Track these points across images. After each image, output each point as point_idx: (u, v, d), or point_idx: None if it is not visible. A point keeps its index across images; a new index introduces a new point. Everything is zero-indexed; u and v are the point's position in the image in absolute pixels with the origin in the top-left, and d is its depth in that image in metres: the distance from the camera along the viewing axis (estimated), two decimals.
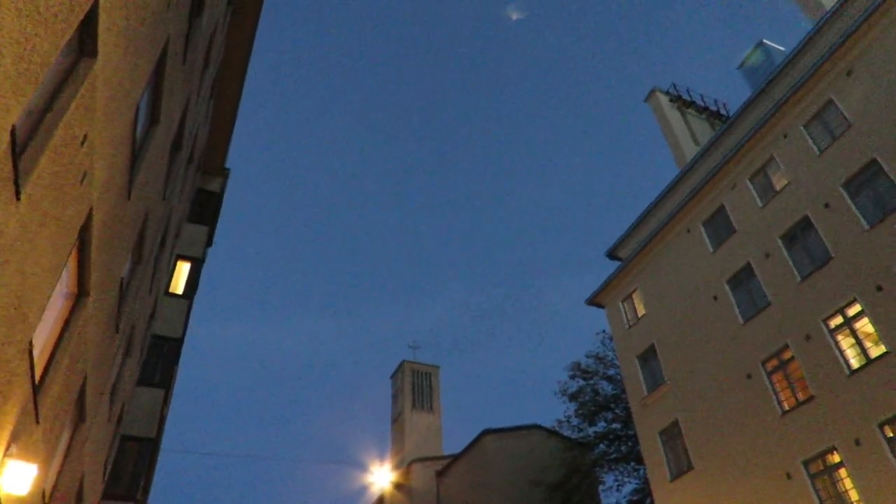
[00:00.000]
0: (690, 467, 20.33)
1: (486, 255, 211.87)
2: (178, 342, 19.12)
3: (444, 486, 35.35)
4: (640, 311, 25.14)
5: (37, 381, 6.38)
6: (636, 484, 29.03)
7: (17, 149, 4.32)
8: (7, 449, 5.72)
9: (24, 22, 3.82)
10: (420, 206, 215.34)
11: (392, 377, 48.80)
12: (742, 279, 20.67)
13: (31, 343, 5.79)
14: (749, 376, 19.17)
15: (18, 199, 4.48)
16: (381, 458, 43.14)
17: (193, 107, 14.43)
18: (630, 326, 25.38)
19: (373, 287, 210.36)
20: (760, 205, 20.71)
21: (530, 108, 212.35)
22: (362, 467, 45.46)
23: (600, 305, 27.74)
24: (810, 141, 19.52)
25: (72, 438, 9.65)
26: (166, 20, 8.24)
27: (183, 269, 20.07)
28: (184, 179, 16.77)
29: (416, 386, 46.52)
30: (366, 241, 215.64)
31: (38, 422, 6.77)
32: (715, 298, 21.36)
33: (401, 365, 47.77)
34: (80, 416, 9.68)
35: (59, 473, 9.33)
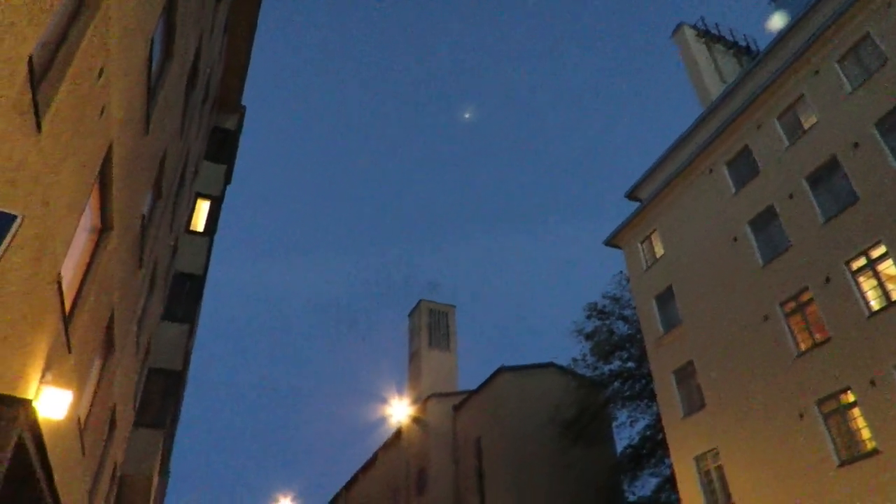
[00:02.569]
0: (703, 405, 20.66)
1: (504, 197, 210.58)
2: (201, 279, 19.49)
3: (459, 421, 36.38)
4: (659, 252, 25.02)
5: (66, 312, 6.58)
6: (648, 420, 29.66)
7: (35, 79, 4.30)
8: (42, 376, 5.96)
9: None
10: (438, 146, 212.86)
11: (410, 315, 49.56)
12: (764, 221, 20.38)
13: (59, 275, 5.93)
14: (766, 318, 19.17)
15: (39, 130, 4.49)
16: (400, 392, 44.41)
17: (207, 42, 14.20)
18: (648, 267, 25.34)
19: (391, 228, 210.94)
20: (787, 145, 20.17)
21: (549, 47, 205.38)
22: (381, 400, 46.90)
23: (618, 246, 27.64)
24: (843, 78, 18.78)
25: (102, 368, 10.02)
26: None
27: (202, 207, 20.25)
28: (200, 116, 16.69)
29: (433, 325, 47.24)
30: (384, 182, 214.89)
31: (70, 351, 7.02)
32: (735, 240, 21.14)
33: (418, 304, 48.37)
34: (109, 347, 10.01)
35: (93, 401, 9.74)
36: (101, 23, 5.45)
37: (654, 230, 25.48)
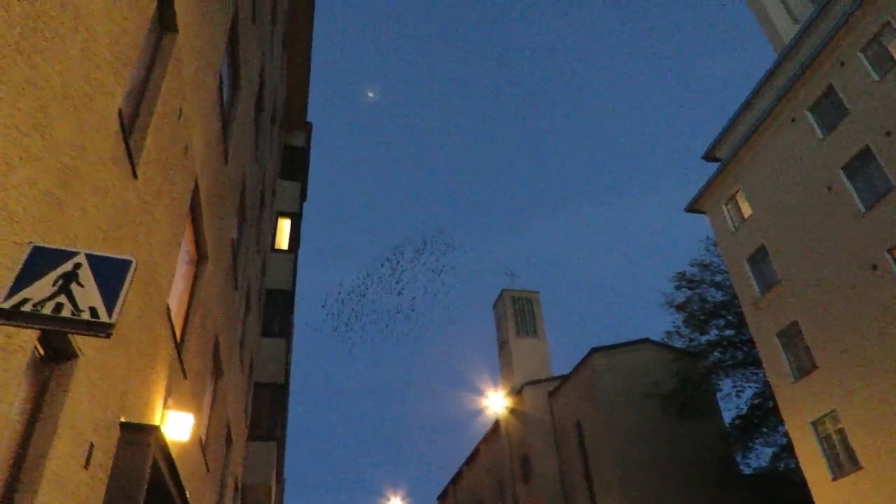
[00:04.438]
0: (814, 366, 19.54)
1: (571, 175, 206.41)
2: (290, 294, 20.30)
3: (556, 406, 36.11)
4: (746, 211, 23.84)
5: (177, 340, 7.03)
6: (756, 388, 28.35)
7: (126, 129, 4.61)
8: (165, 403, 6.41)
9: (110, 6, 3.99)
10: (501, 134, 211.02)
11: (494, 306, 49.57)
12: (859, 164, 18.99)
13: (167, 307, 6.35)
14: (874, 267, 17.88)
15: (135, 176, 4.82)
16: (494, 383, 44.56)
17: (269, 66, 14.73)
18: (736, 229, 24.20)
19: (465, 221, 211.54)
20: (877, 78, 18.69)
21: (609, 12, 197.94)
22: (477, 392, 47.23)
23: (701, 211, 26.54)
24: None
25: (215, 389, 10.63)
26: None
27: (284, 226, 21.06)
28: (271, 138, 17.35)
29: (518, 312, 46.96)
30: (451, 176, 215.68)
31: (185, 376, 7.49)
32: (829, 189, 19.83)
33: (501, 293, 48.30)
34: (217, 368, 10.61)
35: (209, 421, 10.36)
36: (175, 66, 5.78)
37: (738, 189, 24.29)
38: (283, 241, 20.64)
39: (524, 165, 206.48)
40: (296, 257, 20.80)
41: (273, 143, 18.50)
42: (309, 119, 24.00)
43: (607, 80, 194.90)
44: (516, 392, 38.74)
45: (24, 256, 2.83)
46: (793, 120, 21.79)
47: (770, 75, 23.79)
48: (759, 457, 29.28)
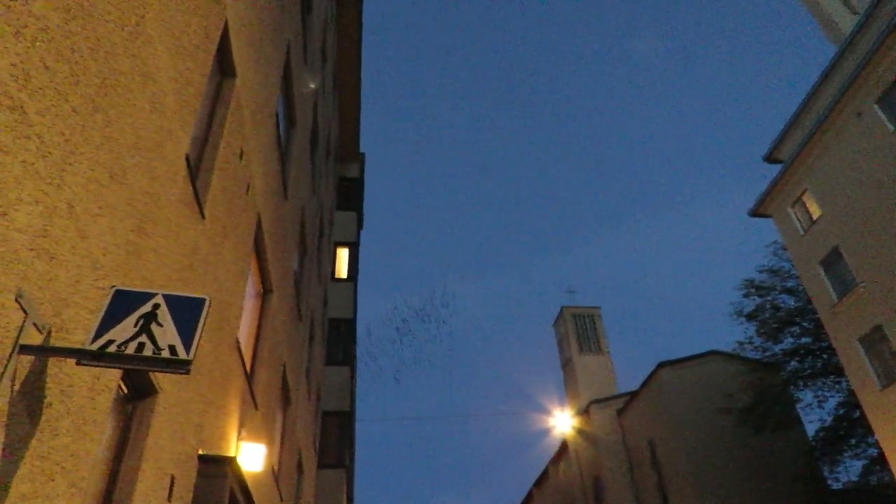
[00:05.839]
0: None
1: (628, 187, 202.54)
2: (351, 322, 20.61)
3: (626, 424, 35.07)
4: (815, 213, 22.79)
5: (248, 372, 7.23)
6: (840, 398, 26.76)
7: (193, 173, 4.84)
8: (239, 434, 6.59)
9: (174, 59, 4.23)
10: (554, 151, 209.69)
11: (554, 324, 48.87)
12: None
13: (237, 340, 6.56)
14: None
15: (203, 217, 5.04)
16: (561, 402, 43.78)
17: (321, 100, 15.19)
18: (805, 232, 23.14)
19: (522, 241, 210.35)
20: None
21: (660, 17, 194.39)
22: (543, 411, 46.47)
23: (766, 215, 25.53)
24: None
25: (284, 419, 10.86)
26: (283, 25, 8.70)
27: (342, 255, 21.49)
28: (326, 170, 17.82)
29: (580, 329, 46.13)
30: (507, 196, 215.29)
31: (256, 407, 7.69)
32: None
33: (561, 311, 47.60)
34: (286, 398, 10.85)
35: (281, 450, 10.57)
36: (235, 109, 6.04)
37: (805, 190, 23.28)
38: (342, 269, 21.05)
39: (578, 182, 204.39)
40: (355, 285, 21.14)
41: (329, 175, 19.00)
42: (361, 150, 24.53)
43: (659, 86, 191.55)
44: (583, 411, 37.89)
45: (107, 300, 3.00)
46: (858, 114, 20.81)
47: (830, 70, 22.84)
48: (849, 470, 27.55)
